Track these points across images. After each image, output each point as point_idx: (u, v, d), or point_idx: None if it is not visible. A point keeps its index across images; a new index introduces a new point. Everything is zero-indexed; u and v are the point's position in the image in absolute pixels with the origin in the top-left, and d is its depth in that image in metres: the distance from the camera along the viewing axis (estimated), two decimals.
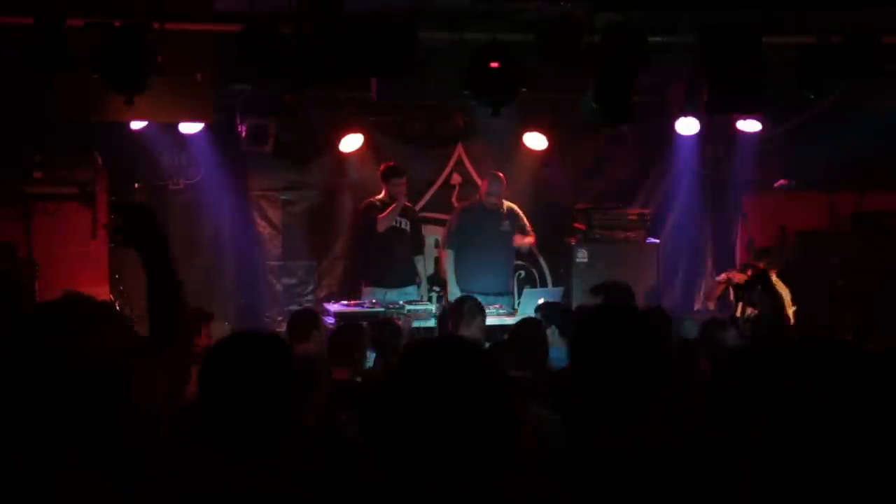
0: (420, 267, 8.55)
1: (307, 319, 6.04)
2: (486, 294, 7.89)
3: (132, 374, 2.07)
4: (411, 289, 8.41)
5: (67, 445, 1.97)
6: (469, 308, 6.26)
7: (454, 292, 8.15)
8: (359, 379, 5.14)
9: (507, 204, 8.55)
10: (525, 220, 8.63)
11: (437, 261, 8.64)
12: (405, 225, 8.39)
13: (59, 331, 2.02)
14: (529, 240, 8.60)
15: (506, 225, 8.49)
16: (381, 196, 8.37)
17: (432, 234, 8.93)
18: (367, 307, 7.87)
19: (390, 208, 8.19)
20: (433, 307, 7.66)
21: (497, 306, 7.95)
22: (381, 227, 8.20)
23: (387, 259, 8.28)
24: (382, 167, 8.43)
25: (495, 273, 8.44)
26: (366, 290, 8.36)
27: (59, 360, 1.98)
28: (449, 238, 8.46)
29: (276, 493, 2.15)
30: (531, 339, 5.40)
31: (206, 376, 2.28)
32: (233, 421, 2.22)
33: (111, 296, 8.36)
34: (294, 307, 8.69)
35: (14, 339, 2.03)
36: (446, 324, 6.43)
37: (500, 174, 8.48)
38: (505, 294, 8.44)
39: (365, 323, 6.09)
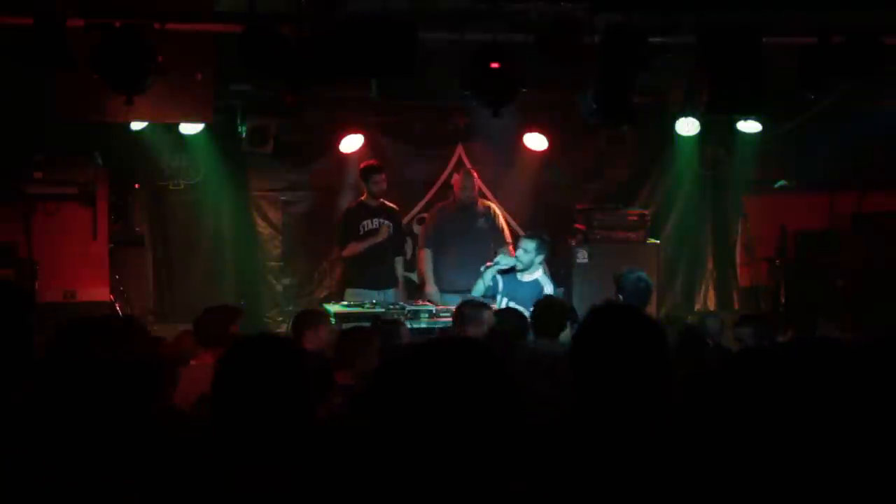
0: (399, 269, 8.53)
1: (312, 318, 6.03)
2: (462, 292, 7.85)
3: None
4: (391, 292, 8.35)
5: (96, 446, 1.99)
6: (471, 310, 6.24)
7: (431, 292, 8.15)
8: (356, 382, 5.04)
9: (484, 202, 8.55)
10: (503, 221, 8.61)
11: (415, 261, 8.59)
12: (390, 228, 8.34)
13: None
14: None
15: (482, 223, 8.44)
16: (363, 197, 8.33)
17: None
18: (368, 308, 7.85)
19: (368, 241, 8.13)
20: (434, 308, 7.63)
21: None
22: (346, 253, 8.20)
23: (371, 262, 8.21)
24: (361, 166, 8.41)
25: (473, 271, 8.41)
26: (348, 291, 8.30)
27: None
28: (426, 238, 8.45)
29: (289, 492, 2.16)
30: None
31: (222, 379, 2.28)
32: (248, 423, 2.22)
33: (111, 296, 8.37)
34: (294, 308, 8.68)
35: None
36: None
37: (473, 171, 8.49)
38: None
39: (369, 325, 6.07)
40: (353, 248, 8.18)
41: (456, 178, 8.60)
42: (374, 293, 8.13)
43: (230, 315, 5.76)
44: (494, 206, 8.63)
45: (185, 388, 4.45)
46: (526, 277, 7.48)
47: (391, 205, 8.43)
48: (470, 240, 8.34)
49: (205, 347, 5.32)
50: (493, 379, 1.90)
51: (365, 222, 8.23)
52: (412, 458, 1.85)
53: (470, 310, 6.18)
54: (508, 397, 1.90)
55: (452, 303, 7.30)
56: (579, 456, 2.29)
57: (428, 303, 7.96)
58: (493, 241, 8.47)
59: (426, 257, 8.36)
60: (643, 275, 6.67)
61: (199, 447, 2.30)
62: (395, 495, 1.86)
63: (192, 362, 5.18)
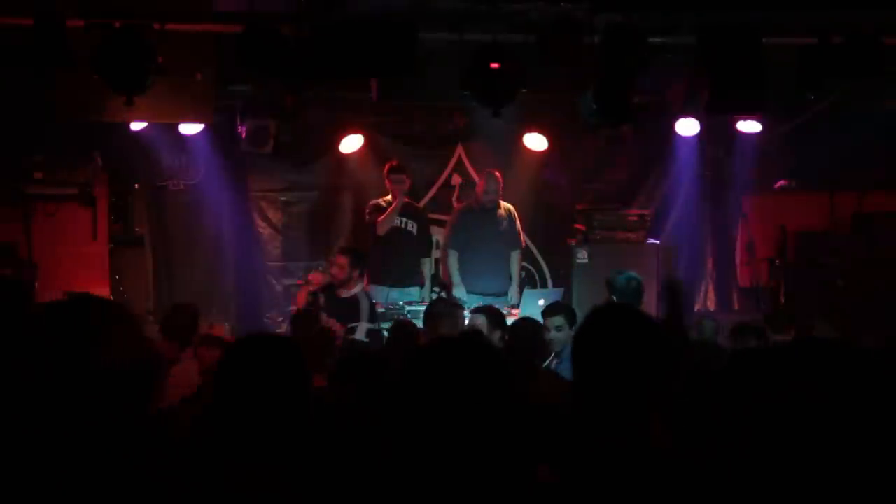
0: (426, 269, 8.53)
1: (309, 319, 6.04)
2: (486, 294, 7.88)
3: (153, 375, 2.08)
4: (415, 290, 8.38)
5: (86, 447, 1.97)
6: (440, 309, 6.22)
7: (461, 293, 8.13)
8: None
9: (505, 205, 8.54)
10: (519, 225, 8.61)
11: (437, 262, 8.60)
12: (411, 226, 8.37)
13: (75, 332, 2.01)
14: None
15: (504, 225, 8.47)
16: (387, 197, 8.38)
17: (433, 235, 8.93)
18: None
19: (388, 210, 8.18)
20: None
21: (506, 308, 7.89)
22: (380, 231, 8.19)
23: (390, 259, 8.25)
24: (386, 167, 8.44)
25: (495, 273, 8.41)
26: (369, 287, 8.34)
27: (77, 360, 1.97)
28: (451, 239, 8.43)
29: (289, 492, 2.15)
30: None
31: (222, 379, 2.28)
32: (248, 422, 2.22)
33: (111, 296, 8.37)
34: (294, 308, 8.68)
35: (29, 340, 2.03)
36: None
37: (497, 172, 8.45)
38: (504, 294, 8.40)
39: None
40: (383, 225, 8.18)
41: (480, 180, 8.59)
42: (396, 292, 8.14)
43: (195, 312, 5.90)
44: (514, 210, 8.60)
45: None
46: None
47: (417, 204, 8.46)
48: (491, 242, 8.37)
49: (175, 343, 5.41)
50: (495, 377, 1.90)
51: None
52: (417, 460, 1.85)
53: (442, 308, 6.17)
54: (508, 396, 1.90)
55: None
56: (581, 456, 2.29)
57: None
58: (507, 244, 8.48)
59: (452, 259, 8.33)
60: (633, 274, 6.67)
61: (192, 447, 2.29)
62: (398, 496, 1.86)
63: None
